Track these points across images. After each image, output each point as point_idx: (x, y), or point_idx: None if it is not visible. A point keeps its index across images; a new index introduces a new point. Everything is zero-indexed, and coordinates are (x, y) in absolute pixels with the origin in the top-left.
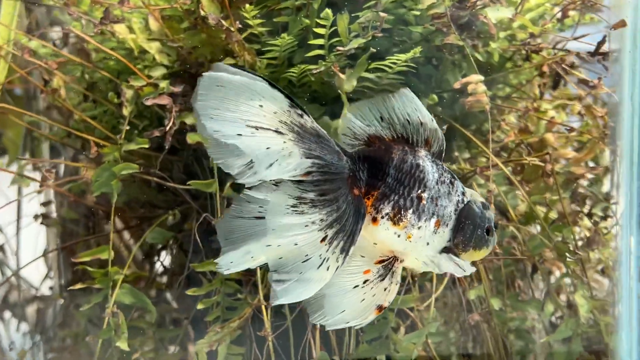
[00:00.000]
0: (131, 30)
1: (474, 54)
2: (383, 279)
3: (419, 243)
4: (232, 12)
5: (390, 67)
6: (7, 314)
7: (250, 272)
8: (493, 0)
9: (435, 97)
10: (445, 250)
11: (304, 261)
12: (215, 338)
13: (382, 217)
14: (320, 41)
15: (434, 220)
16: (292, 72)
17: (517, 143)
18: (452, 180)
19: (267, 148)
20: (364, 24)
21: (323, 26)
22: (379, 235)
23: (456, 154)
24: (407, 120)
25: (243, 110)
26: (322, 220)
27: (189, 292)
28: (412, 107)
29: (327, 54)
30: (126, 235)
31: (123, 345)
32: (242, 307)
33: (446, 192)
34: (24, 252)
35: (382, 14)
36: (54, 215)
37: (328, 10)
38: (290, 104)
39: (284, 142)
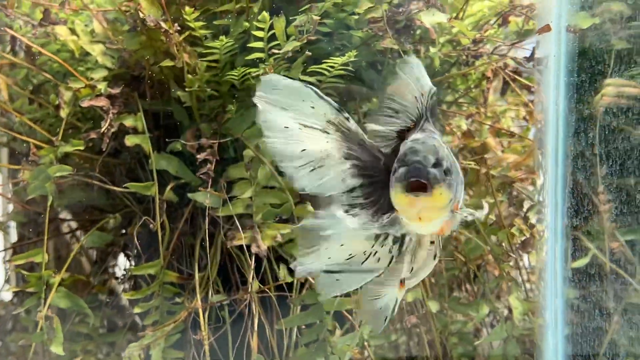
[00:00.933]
0: (73, 32)
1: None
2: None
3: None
4: (173, 14)
5: (328, 71)
6: None
7: (189, 276)
8: (434, 5)
9: (376, 101)
10: None
11: (363, 258)
12: (147, 342)
13: None
14: (259, 44)
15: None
16: (233, 75)
17: (461, 147)
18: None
19: (303, 150)
20: (299, 27)
21: (262, 29)
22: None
23: None
24: (411, 103)
25: (295, 108)
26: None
27: (126, 295)
28: (410, 88)
29: (266, 57)
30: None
31: (57, 349)
32: (181, 310)
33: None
34: None
35: (315, 17)
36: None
37: (265, 14)
38: (338, 107)
39: (327, 141)
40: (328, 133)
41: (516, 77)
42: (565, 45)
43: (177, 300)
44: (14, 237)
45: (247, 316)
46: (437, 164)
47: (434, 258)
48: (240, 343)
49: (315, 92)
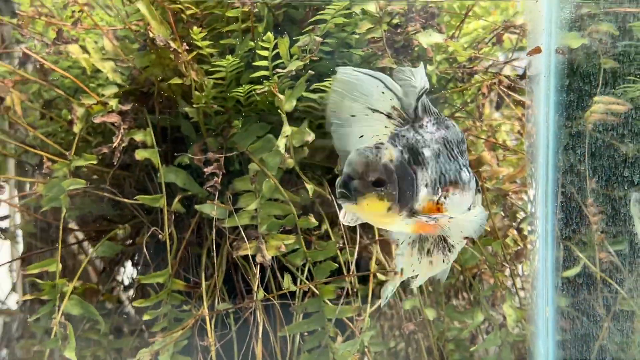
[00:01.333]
0: (84, 50)
1: None
2: None
3: None
4: (181, 33)
5: (329, 88)
6: None
7: (196, 284)
8: (431, 25)
9: None
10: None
11: None
12: (157, 347)
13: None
14: (264, 63)
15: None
16: (239, 92)
17: None
18: None
19: (361, 137)
20: (302, 47)
21: (266, 48)
22: None
23: None
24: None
25: (365, 96)
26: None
27: (136, 303)
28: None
29: (271, 75)
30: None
31: (70, 354)
32: (188, 318)
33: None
34: None
35: (317, 38)
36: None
37: (270, 34)
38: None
39: (386, 126)
40: (391, 118)
41: (510, 92)
42: (554, 64)
43: (185, 307)
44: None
45: (252, 323)
46: (364, 176)
47: (444, 261)
48: (245, 349)
49: (384, 82)
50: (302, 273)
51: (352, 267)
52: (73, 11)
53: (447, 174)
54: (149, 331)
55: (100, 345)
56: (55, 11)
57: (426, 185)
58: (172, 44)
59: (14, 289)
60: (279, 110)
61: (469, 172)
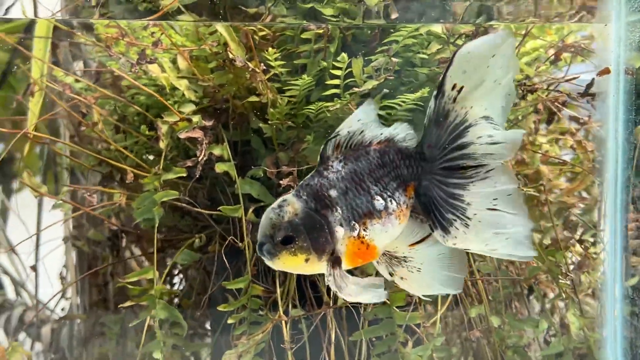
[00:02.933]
0: (162, 69)
1: None
2: None
3: None
4: (256, 54)
5: (399, 105)
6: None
7: (269, 291)
8: None
9: None
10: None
11: None
12: (242, 349)
13: None
14: (336, 81)
15: None
16: (311, 109)
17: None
18: None
19: None
20: (376, 67)
21: (339, 68)
22: None
23: None
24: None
25: None
26: None
27: (220, 307)
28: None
29: (341, 93)
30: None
31: (158, 355)
32: (265, 321)
33: None
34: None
35: (393, 59)
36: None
37: (344, 55)
38: None
39: None
40: None
41: (563, 108)
42: (623, 84)
43: (260, 312)
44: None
45: (322, 328)
46: (272, 238)
47: (412, 271)
48: (316, 352)
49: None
50: None
51: None
52: (152, 32)
53: (358, 208)
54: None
55: (177, 348)
56: (130, 32)
57: (341, 225)
58: (250, 65)
59: (64, 295)
60: None
61: (385, 198)
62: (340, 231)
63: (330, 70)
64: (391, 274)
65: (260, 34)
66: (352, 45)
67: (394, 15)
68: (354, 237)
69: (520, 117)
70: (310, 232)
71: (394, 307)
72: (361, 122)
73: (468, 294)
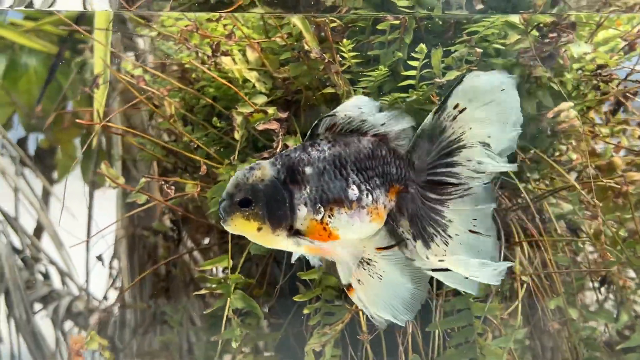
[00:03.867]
0: (234, 61)
1: (549, 83)
2: None
3: None
4: (326, 45)
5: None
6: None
7: None
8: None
9: None
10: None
11: None
12: (324, 339)
13: None
14: (412, 72)
15: None
16: (385, 100)
17: (585, 165)
18: None
19: None
20: (457, 57)
21: (416, 59)
22: None
23: (528, 174)
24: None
25: None
26: None
27: (296, 298)
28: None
29: (417, 84)
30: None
31: (234, 344)
32: (339, 312)
33: None
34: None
35: (478, 50)
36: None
37: (422, 45)
38: None
39: None
40: None
41: (635, 98)
42: None
43: (336, 303)
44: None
45: None
46: (232, 196)
47: (371, 276)
48: (391, 343)
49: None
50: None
51: None
52: (224, 25)
53: (328, 192)
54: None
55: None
56: (201, 25)
57: (305, 204)
58: (326, 56)
59: (113, 283)
60: (418, 118)
61: (362, 190)
62: (302, 210)
63: (407, 61)
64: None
65: (332, 25)
66: (425, 36)
67: (478, 6)
68: (316, 220)
69: (585, 108)
70: (269, 202)
71: (471, 298)
72: (361, 111)
73: (541, 285)
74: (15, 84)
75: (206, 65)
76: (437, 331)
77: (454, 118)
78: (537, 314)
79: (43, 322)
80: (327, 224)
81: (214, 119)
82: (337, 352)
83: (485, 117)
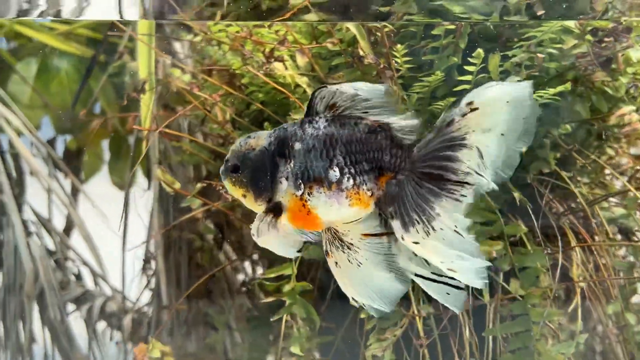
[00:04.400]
0: (285, 67)
1: (603, 87)
2: None
3: None
4: (378, 50)
5: (535, 100)
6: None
7: None
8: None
9: (568, 127)
10: None
11: None
12: (385, 344)
13: None
14: (468, 77)
15: None
16: (439, 105)
17: (637, 169)
18: None
19: None
20: (517, 63)
21: (472, 64)
22: None
23: (578, 178)
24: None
25: None
26: None
27: (353, 303)
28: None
29: (472, 89)
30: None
31: (296, 350)
32: (394, 317)
33: None
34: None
35: (540, 55)
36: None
37: (480, 50)
38: None
39: None
40: None
41: None
42: None
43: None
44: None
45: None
46: (226, 161)
47: (349, 261)
48: (445, 347)
49: None
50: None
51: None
52: (277, 31)
53: (311, 170)
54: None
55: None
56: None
57: (287, 179)
58: (381, 62)
59: (148, 284)
60: None
61: (344, 173)
62: (284, 184)
63: (464, 67)
64: (327, 253)
65: (385, 30)
66: (478, 41)
67: (539, 12)
68: (296, 196)
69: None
70: (254, 171)
71: (530, 304)
72: (356, 93)
73: (593, 289)
74: (47, 86)
75: (261, 72)
76: (493, 336)
77: (464, 115)
78: (590, 319)
79: (76, 322)
80: (305, 202)
81: (266, 124)
82: (393, 357)
83: (490, 125)
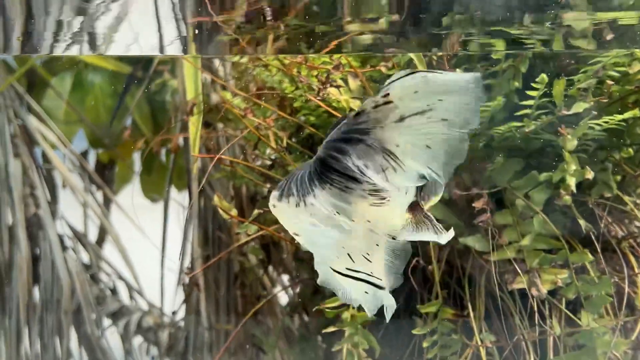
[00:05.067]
0: (339, 91)
1: None
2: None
3: None
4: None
5: (599, 125)
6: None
7: (462, 314)
8: None
9: (631, 150)
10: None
11: None
12: None
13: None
14: (530, 102)
15: None
16: (499, 130)
17: None
18: None
19: None
20: (582, 88)
21: (535, 88)
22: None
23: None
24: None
25: None
26: None
27: (415, 331)
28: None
29: (533, 114)
30: None
31: None
32: (455, 345)
33: None
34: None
35: (609, 82)
36: None
37: (544, 75)
38: None
39: None
40: None
41: None
42: None
43: (454, 336)
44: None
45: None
46: None
47: None
48: None
49: None
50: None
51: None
52: (331, 55)
53: None
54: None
55: None
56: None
57: None
58: None
59: (186, 299)
60: (533, 146)
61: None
62: None
63: (526, 92)
64: None
65: (438, 53)
66: (538, 65)
67: (609, 37)
68: None
69: None
70: None
71: (596, 333)
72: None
73: None
74: (82, 100)
75: (318, 98)
76: None
77: (376, 106)
78: None
79: (112, 337)
80: None
81: (317, 147)
82: None
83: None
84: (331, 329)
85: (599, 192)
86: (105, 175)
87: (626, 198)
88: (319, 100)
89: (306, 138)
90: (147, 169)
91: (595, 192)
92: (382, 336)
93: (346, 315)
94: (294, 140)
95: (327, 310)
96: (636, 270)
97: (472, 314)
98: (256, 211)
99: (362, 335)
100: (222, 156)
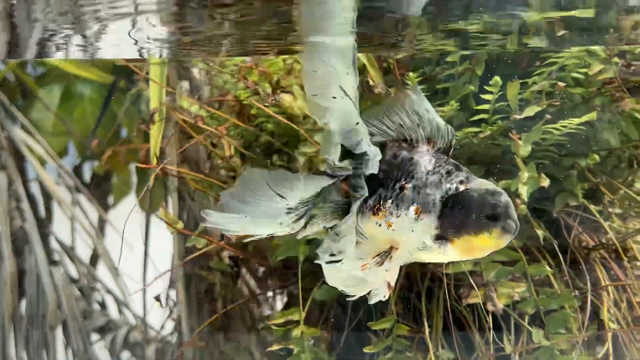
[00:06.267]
0: (293, 97)
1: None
2: (381, 265)
3: (401, 231)
4: (394, 79)
5: (558, 130)
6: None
7: (418, 330)
8: None
9: (596, 156)
10: (439, 237)
11: None
12: None
13: (367, 209)
14: (485, 106)
15: (413, 207)
16: (456, 136)
17: None
18: (451, 170)
19: None
20: (536, 91)
21: (491, 92)
22: (365, 226)
23: (609, 210)
24: (402, 124)
25: None
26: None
27: (366, 349)
28: (409, 112)
29: (490, 118)
30: None
31: None
32: None
33: (436, 181)
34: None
35: (560, 84)
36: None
37: (497, 78)
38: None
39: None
40: None
41: None
42: None
43: (408, 354)
44: None
45: None
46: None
47: None
48: None
49: None
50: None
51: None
52: (284, 60)
53: None
54: None
55: None
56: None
57: None
58: (391, 91)
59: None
60: (492, 152)
61: None
62: None
63: (481, 95)
64: None
65: (397, 57)
66: (497, 67)
67: (560, 33)
68: None
69: None
70: None
71: (557, 350)
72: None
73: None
74: (71, 112)
75: (267, 105)
76: None
77: None
78: None
79: (101, 352)
80: None
81: (274, 156)
82: None
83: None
84: (275, 347)
85: (563, 200)
86: (101, 188)
87: (592, 207)
88: (263, 106)
89: (266, 146)
90: (142, 180)
91: (560, 200)
92: (338, 354)
93: (296, 332)
94: (258, 151)
95: (274, 328)
96: (603, 283)
97: (426, 331)
98: (202, 225)
99: (313, 354)
100: (166, 167)
